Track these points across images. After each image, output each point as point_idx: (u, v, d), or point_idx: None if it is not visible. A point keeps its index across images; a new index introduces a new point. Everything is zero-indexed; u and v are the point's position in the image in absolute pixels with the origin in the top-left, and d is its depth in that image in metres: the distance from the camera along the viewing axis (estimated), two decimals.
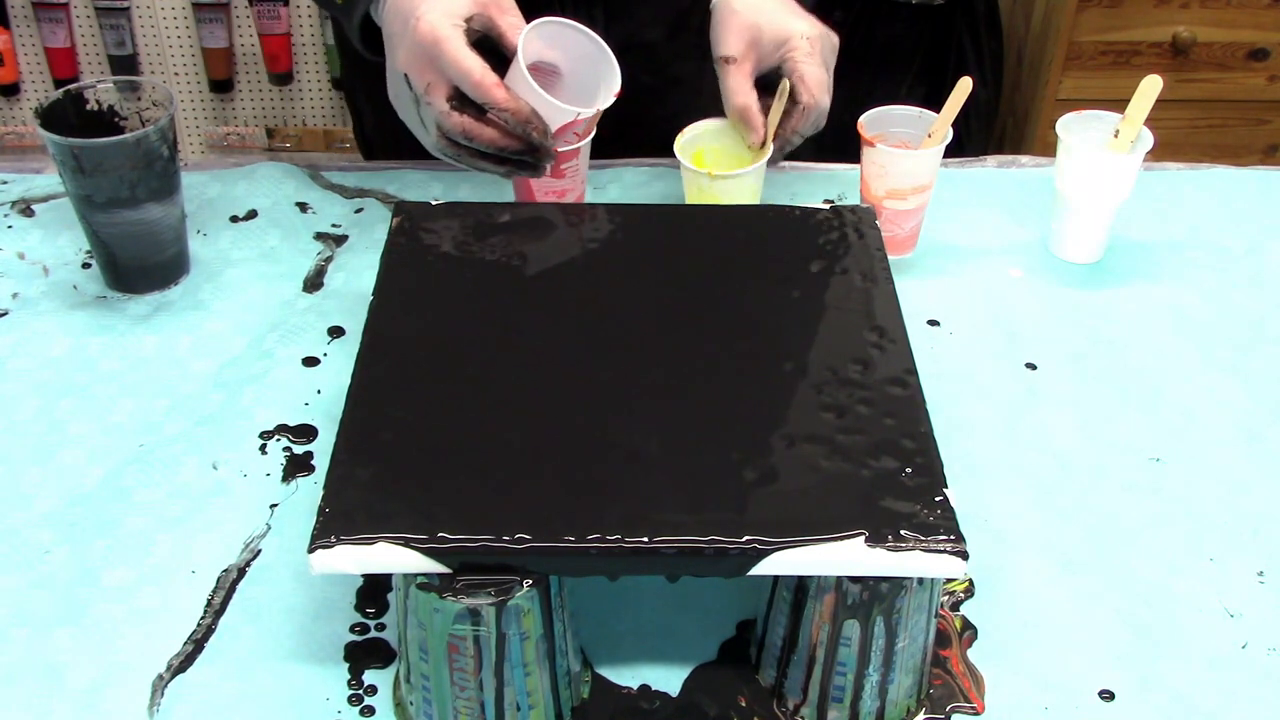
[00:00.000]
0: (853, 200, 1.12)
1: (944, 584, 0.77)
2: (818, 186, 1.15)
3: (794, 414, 0.72)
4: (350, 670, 0.73)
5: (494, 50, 0.89)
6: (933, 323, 1.00)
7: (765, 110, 0.98)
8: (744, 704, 0.72)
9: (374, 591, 0.77)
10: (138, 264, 0.99)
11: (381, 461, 0.69)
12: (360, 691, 0.72)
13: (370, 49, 0.96)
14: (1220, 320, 1.01)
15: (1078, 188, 1.02)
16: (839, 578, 0.66)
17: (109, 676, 0.73)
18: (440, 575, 0.65)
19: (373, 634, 0.75)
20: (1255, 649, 0.76)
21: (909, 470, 0.69)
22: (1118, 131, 1.02)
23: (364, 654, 0.74)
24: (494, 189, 1.12)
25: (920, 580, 0.67)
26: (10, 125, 2.44)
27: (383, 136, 1.24)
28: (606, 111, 0.92)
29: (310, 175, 1.15)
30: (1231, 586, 0.79)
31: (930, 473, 0.69)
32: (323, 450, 0.87)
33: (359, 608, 0.77)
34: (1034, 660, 0.75)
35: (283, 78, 2.40)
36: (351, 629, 0.76)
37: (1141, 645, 0.76)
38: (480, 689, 0.67)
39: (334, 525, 0.65)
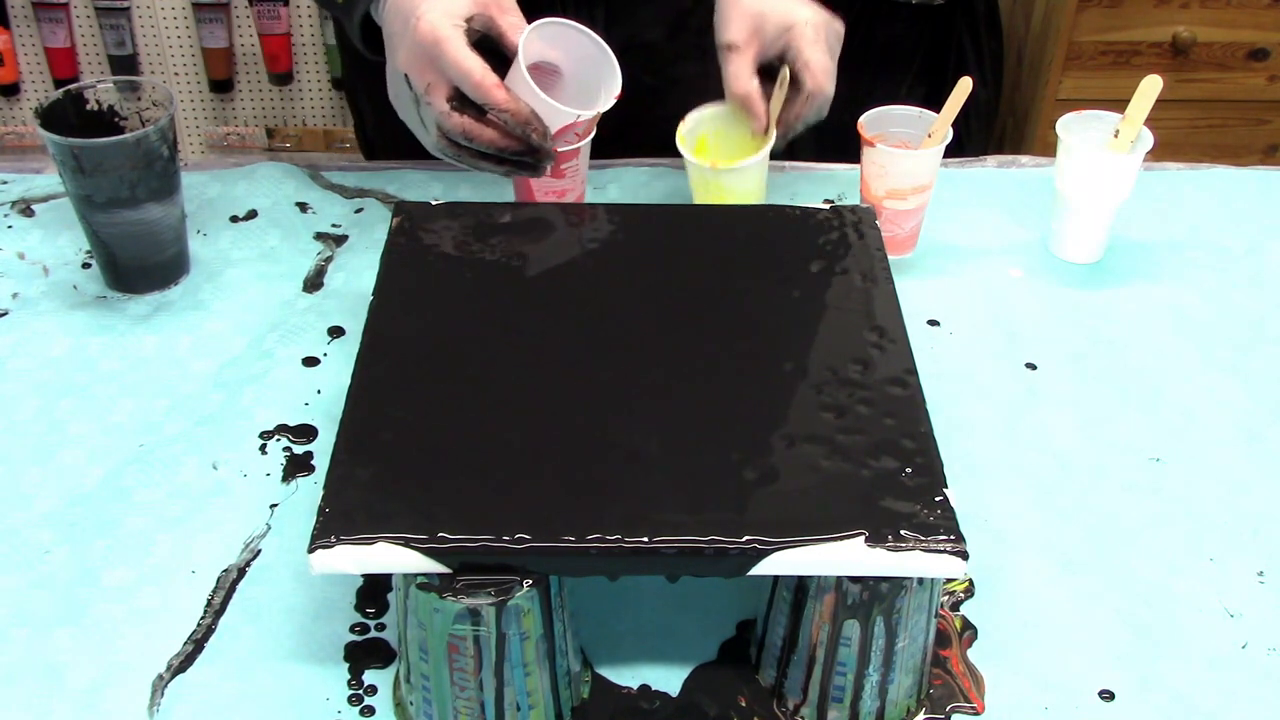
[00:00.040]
0: (853, 200, 1.12)
1: (944, 584, 0.77)
2: (818, 186, 1.15)
3: (794, 414, 0.72)
4: (350, 670, 0.73)
5: (494, 50, 0.89)
6: (933, 323, 1.00)
7: (768, 98, 0.97)
8: (744, 704, 0.72)
9: (374, 591, 0.77)
10: (138, 264, 0.99)
11: (381, 461, 0.69)
12: (360, 691, 0.72)
13: (371, 49, 0.96)
14: (1220, 320, 1.01)
15: (1078, 188, 1.02)
16: (839, 578, 0.66)
17: (109, 676, 0.73)
18: (440, 575, 0.65)
19: (373, 634, 0.75)
20: (1255, 649, 0.76)
21: (909, 470, 0.69)
22: (1118, 131, 1.02)
23: (364, 654, 0.74)
24: (494, 189, 1.12)
25: (920, 580, 0.67)
26: (10, 125, 2.44)
27: (384, 137, 1.24)
28: (607, 112, 0.92)
29: (310, 175, 1.15)
30: (1231, 586, 0.79)
31: (930, 473, 0.69)
32: (323, 450, 0.87)
33: (359, 608, 0.77)
34: (1034, 660, 0.75)
35: (283, 78, 2.40)
36: (351, 629, 0.76)
37: (1141, 645, 0.76)
38: (480, 689, 0.67)
39: (334, 525, 0.65)
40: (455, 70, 0.85)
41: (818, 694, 0.70)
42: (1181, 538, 0.83)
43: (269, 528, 0.82)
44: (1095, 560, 0.81)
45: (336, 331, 0.98)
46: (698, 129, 1.00)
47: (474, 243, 0.85)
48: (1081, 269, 1.06)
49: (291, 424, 0.89)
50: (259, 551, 0.80)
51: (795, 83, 0.96)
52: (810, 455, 0.69)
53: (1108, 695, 0.73)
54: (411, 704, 0.70)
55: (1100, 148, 1.02)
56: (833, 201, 1.12)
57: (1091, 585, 0.79)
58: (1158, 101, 1.00)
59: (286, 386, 0.92)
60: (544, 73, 0.93)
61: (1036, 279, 1.05)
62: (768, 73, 0.98)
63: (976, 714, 0.72)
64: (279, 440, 0.88)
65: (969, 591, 0.79)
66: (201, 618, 0.76)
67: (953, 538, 0.65)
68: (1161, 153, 1.08)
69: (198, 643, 0.75)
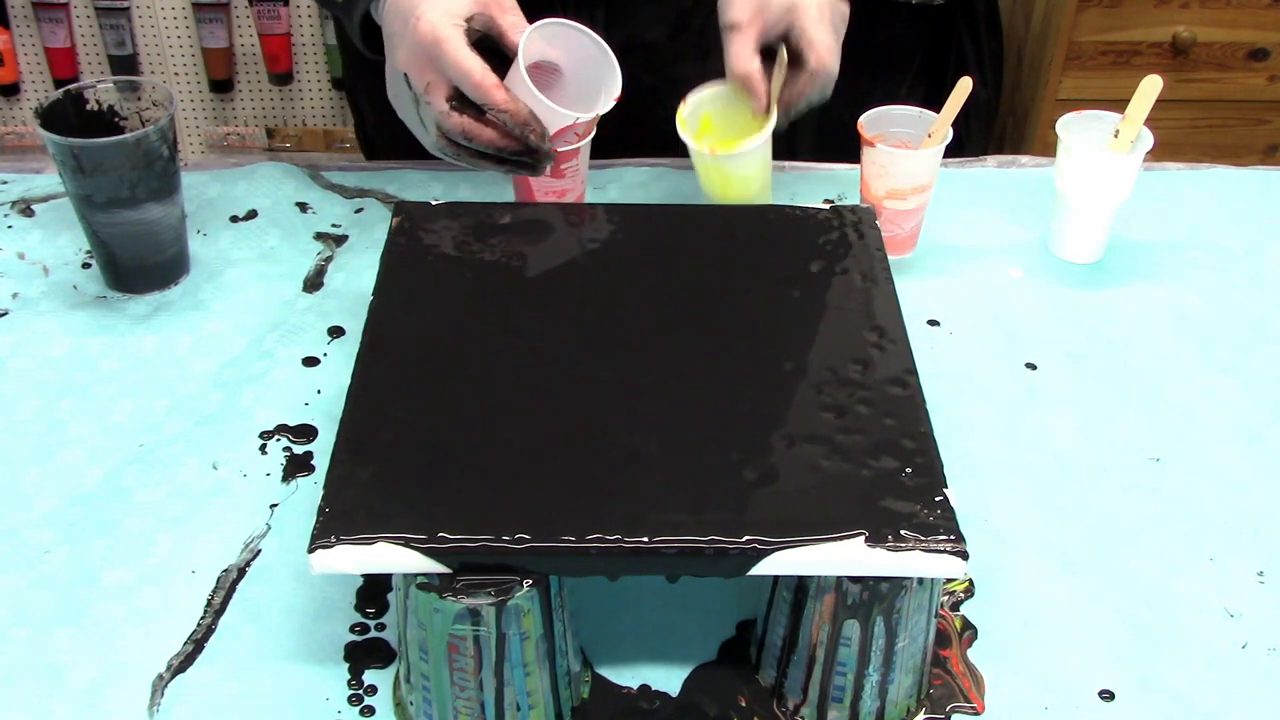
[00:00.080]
0: (853, 200, 1.12)
1: (944, 584, 0.77)
2: (818, 186, 1.15)
3: (794, 414, 0.72)
4: (350, 670, 0.73)
5: (495, 50, 0.89)
6: (933, 323, 1.00)
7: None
8: (744, 704, 0.72)
9: (374, 591, 0.77)
10: (138, 264, 0.99)
11: (381, 461, 0.69)
12: (360, 691, 0.72)
13: (371, 48, 0.96)
14: (1220, 320, 1.01)
15: (1078, 188, 1.02)
16: (839, 578, 0.66)
17: (109, 676, 0.73)
18: (440, 575, 0.65)
19: (373, 634, 0.75)
20: (1255, 649, 0.76)
21: (909, 470, 0.69)
22: (1118, 131, 1.02)
23: (364, 654, 0.74)
24: (494, 189, 1.12)
25: (920, 580, 0.67)
26: (10, 125, 2.44)
27: (384, 137, 1.24)
28: (607, 112, 0.92)
29: (310, 175, 1.15)
30: (1231, 586, 0.79)
31: (930, 473, 0.69)
32: (323, 450, 0.87)
33: (359, 608, 0.77)
34: (1034, 660, 0.75)
35: (283, 78, 2.40)
36: (351, 629, 0.76)
37: (1141, 645, 0.76)
38: (480, 689, 0.67)
39: (334, 525, 0.65)
40: (455, 70, 0.85)
41: (818, 694, 0.70)
42: (1181, 538, 0.83)
43: (269, 528, 0.82)
44: (1095, 560, 0.81)
45: (336, 331, 0.98)
46: (699, 109, 0.97)
47: (474, 243, 0.85)
48: (1081, 269, 1.06)
49: (291, 424, 0.89)
50: (259, 551, 0.80)
51: (799, 61, 0.95)
52: (810, 455, 0.69)
53: (1108, 695, 0.73)
54: (411, 704, 0.70)
55: (1100, 148, 1.02)
56: (833, 201, 1.12)
57: (1091, 585, 0.79)
58: (1158, 101, 1.00)
59: (286, 386, 0.92)
60: (544, 72, 0.93)
61: (1036, 279, 1.05)
62: (772, 55, 0.96)
63: (976, 714, 0.72)
64: (279, 440, 0.88)
65: (969, 591, 0.79)
66: (201, 618, 0.76)
67: (953, 538, 0.65)
68: (1161, 153, 1.08)
69: (198, 643, 0.75)
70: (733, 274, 0.83)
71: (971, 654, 0.75)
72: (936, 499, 0.67)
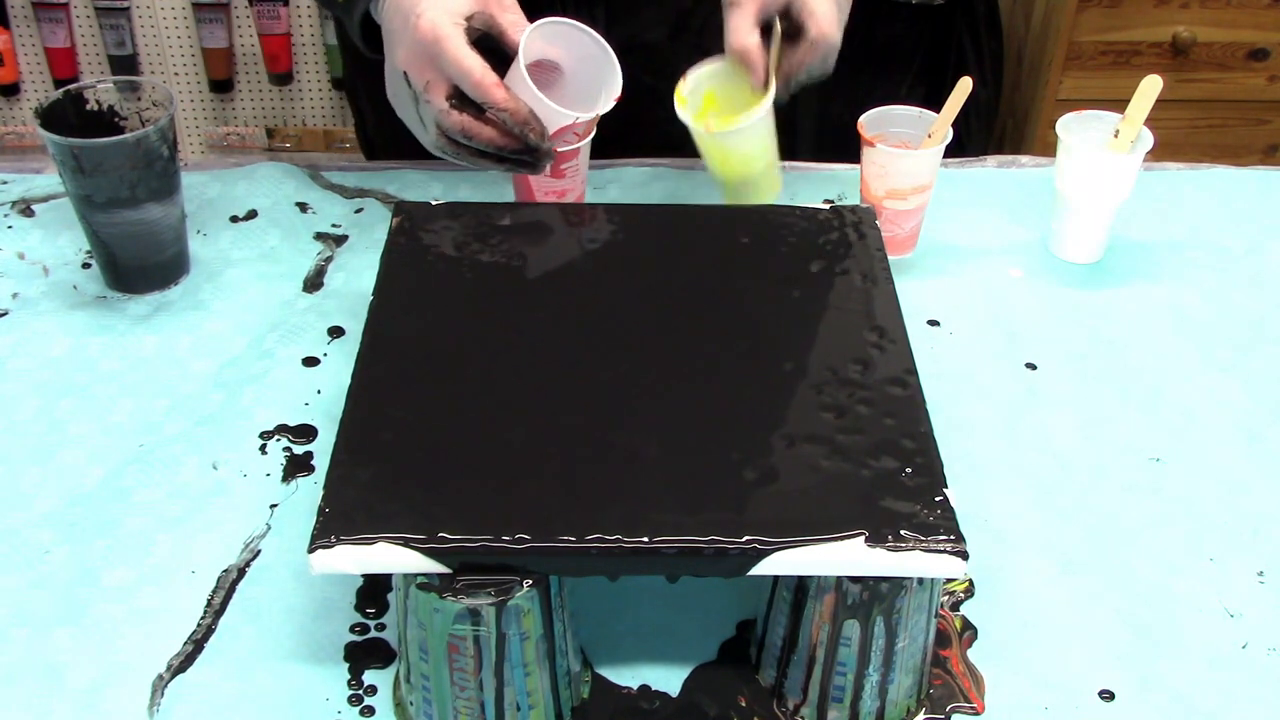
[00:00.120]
0: (853, 200, 1.12)
1: (944, 584, 0.77)
2: (818, 186, 1.15)
3: (794, 414, 0.72)
4: (350, 670, 0.73)
5: (494, 49, 0.89)
6: (933, 323, 1.00)
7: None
8: (744, 704, 0.72)
9: (374, 591, 0.77)
10: (138, 264, 0.99)
11: (381, 461, 0.69)
12: (360, 691, 0.72)
13: (371, 47, 0.96)
14: (1220, 320, 1.01)
15: (1078, 188, 1.02)
16: (839, 578, 0.66)
17: (109, 676, 0.73)
18: (440, 575, 0.65)
19: (373, 634, 0.75)
20: (1255, 649, 0.76)
21: (909, 470, 0.69)
22: (1118, 131, 1.02)
23: (364, 654, 0.74)
24: (494, 189, 1.12)
25: (920, 580, 0.67)
26: (10, 125, 2.44)
27: (384, 136, 1.24)
28: (607, 112, 0.92)
29: (310, 175, 1.15)
30: (1231, 586, 0.79)
31: (930, 473, 0.69)
32: (323, 450, 0.87)
33: (359, 608, 0.77)
34: (1034, 660, 0.75)
35: (283, 78, 2.40)
36: (351, 629, 0.76)
37: (1141, 645, 0.76)
38: (480, 689, 0.67)
39: (334, 525, 0.65)
40: (455, 68, 0.85)
41: (818, 694, 0.70)
42: (1181, 538, 0.83)
43: (269, 528, 0.82)
44: (1095, 560, 0.81)
45: (336, 331, 0.98)
46: (700, 87, 0.96)
47: (474, 243, 0.85)
48: (1081, 269, 1.06)
49: (291, 424, 0.89)
50: (259, 551, 0.80)
51: (800, 32, 0.94)
52: (810, 455, 0.69)
53: (1108, 695, 0.73)
54: (411, 704, 0.70)
55: (1100, 148, 1.02)
56: (833, 201, 1.12)
57: (1091, 585, 0.79)
58: (1158, 101, 1.00)
59: (286, 386, 0.92)
60: (545, 70, 0.93)
61: (1036, 279, 1.05)
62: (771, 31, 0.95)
63: (976, 714, 0.72)
64: (279, 440, 0.88)
65: (969, 591, 0.79)
66: (201, 618, 0.76)
67: (953, 538, 0.65)
68: (1161, 153, 1.08)
69: (198, 643, 0.75)
70: (733, 274, 0.83)
71: (971, 654, 0.75)
72: (936, 499, 0.67)
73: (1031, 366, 0.96)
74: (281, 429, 0.89)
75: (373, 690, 0.72)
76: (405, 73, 0.89)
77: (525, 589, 0.64)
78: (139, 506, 0.83)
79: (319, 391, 0.92)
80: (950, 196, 1.12)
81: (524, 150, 0.89)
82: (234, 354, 0.95)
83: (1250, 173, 1.19)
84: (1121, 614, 0.78)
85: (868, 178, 1.02)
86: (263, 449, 0.87)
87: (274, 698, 0.72)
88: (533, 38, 0.88)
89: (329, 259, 1.05)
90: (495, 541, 0.64)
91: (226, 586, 0.78)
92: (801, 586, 0.68)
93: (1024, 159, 1.20)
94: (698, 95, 0.95)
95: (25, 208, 1.10)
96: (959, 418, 0.90)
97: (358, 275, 1.03)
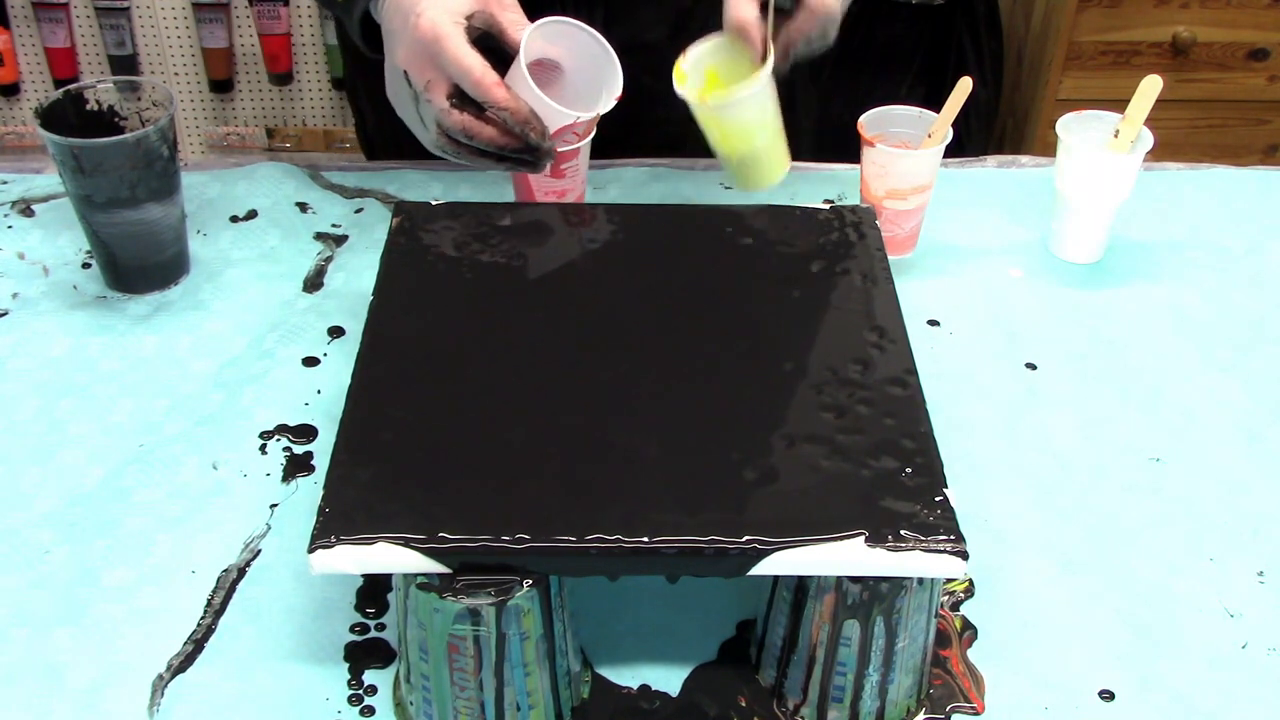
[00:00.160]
0: (853, 200, 1.12)
1: (944, 584, 0.77)
2: (818, 186, 1.15)
3: (794, 414, 0.72)
4: (350, 670, 0.73)
5: (494, 48, 0.89)
6: (933, 323, 1.00)
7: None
8: (744, 704, 0.72)
9: (374, 591, 0.77)
10: (138, 264, 0.99)
11: (381, 461, 0.69)
12: (360, 691, 0.72)
13: (371, 47, 0.96)
14: (1220, 320, 1.01)
15: (1078, 188, 1.02)
16: (839, 578, 0.66)
17: (109, 676, 0.73)
18: (440, 575, 0.65)
19: (373, 634, 0.75)
20: (1255, 649, 0.76)
21: (909, 470, 0.69)
22: (1118, 131, 1.02)
23: (364, 654, 0.74)
24: (494, 189, 1.12)
25: (920, 580, 0.67)
26: (10, 125, 2.44)
27: (384, 136, 1.24)
28: (607, 112, 0.92)
29: (310, 175, 1.15)
30: (1231, 586, 0.79)
31: (930, 473, 0.69)
32: (323, 450, 0.87)
33: (359, 608, 0.77)
34: (1034, 660, 0.75)
35: (283, 78, 2.40)
36: (351, 629, 0.76)
37: (1141, 645, 0.76)
38: (480, 689, 0.67)
39: (334, 525, 0.65)
40: (455, 68, 0.85)
41: (818, 694, 0.70)
42: (1181, 538, 0.83)
43: (269, 528, 0.82)
44: (1095, 560, 0.81)
45: (336, 331, 0.98)
46: (701, 64, 0.93)
47: (474, 243, 0.85)
48: (1081, 269, 1.06)
49: (291, 424, 0.89)
50: (259, 551, 0.80)
51: (799, 2, 0.92)
52: (810, 455, 0.69)
53: (1108, 695, 0.73)
54: (411, 704, 0.70)
55: (1100, 148, 1.02)
56: (833, 201, 1.12)
57: (1091, 585, 0.79)
58: (1158, 101, 1.00)
59: (286, 386, 0.92)
60: (545, 69, 0.92)
61: (1036, 279, 1.05)
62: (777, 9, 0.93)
63: (976, 714, 0.72)
64: (279, 440, 0.88)
65: (969, 591, 0.79)
66: (201, 618, 0.76)
67: (953, 538, 0.65)
68: (1161, 153, 1.08)
69: (198, 643, 0.75)
70: (733, 274, 0.83)
71: (971, 654, 0.75)
72: (936, 499, 0.67)
73: (1031, 366, 0.96)
74: (281, 429, 0.89)
75: (373, 690, 0.72)
76: (405, 72, 0.89)
77: (525, 589, 0.64)
78: (139, 506, 0.83)
79: (319, 391, 0.92)
80: (950, 196, 1.12)
81: (525, 149, 0.89)
82: (234, 354, 0.95)
83: (1250, 173, 1.19)
84: (1121, 614, 0.78)
85: (868, 178, 1.02)
86: (263, 449, 0.87)
87: (274, 698, 0.72)
88: (534, 37, 0.88)
89: (329, 259, 1.05)
90: (495, 541, 0.64)
91: (226, 586, 0.78)
92: (801, 586, 0.68)
93: (1024, 159, 1.20)
94: (699, 72, 0.93)
95: (25, 208, 1.10)
96: (959, 418, 0.90)
97: (358, 275, 1.03)
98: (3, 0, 2.30)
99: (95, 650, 0.74)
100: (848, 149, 1.07)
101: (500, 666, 0.66)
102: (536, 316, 0.79)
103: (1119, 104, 1.02)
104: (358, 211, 1.11)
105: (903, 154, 0.99)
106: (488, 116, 0.87)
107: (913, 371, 0.75)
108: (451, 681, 0.67)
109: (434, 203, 0.89)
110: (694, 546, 0.64)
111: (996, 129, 2.18)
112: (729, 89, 0.90)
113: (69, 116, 0.96)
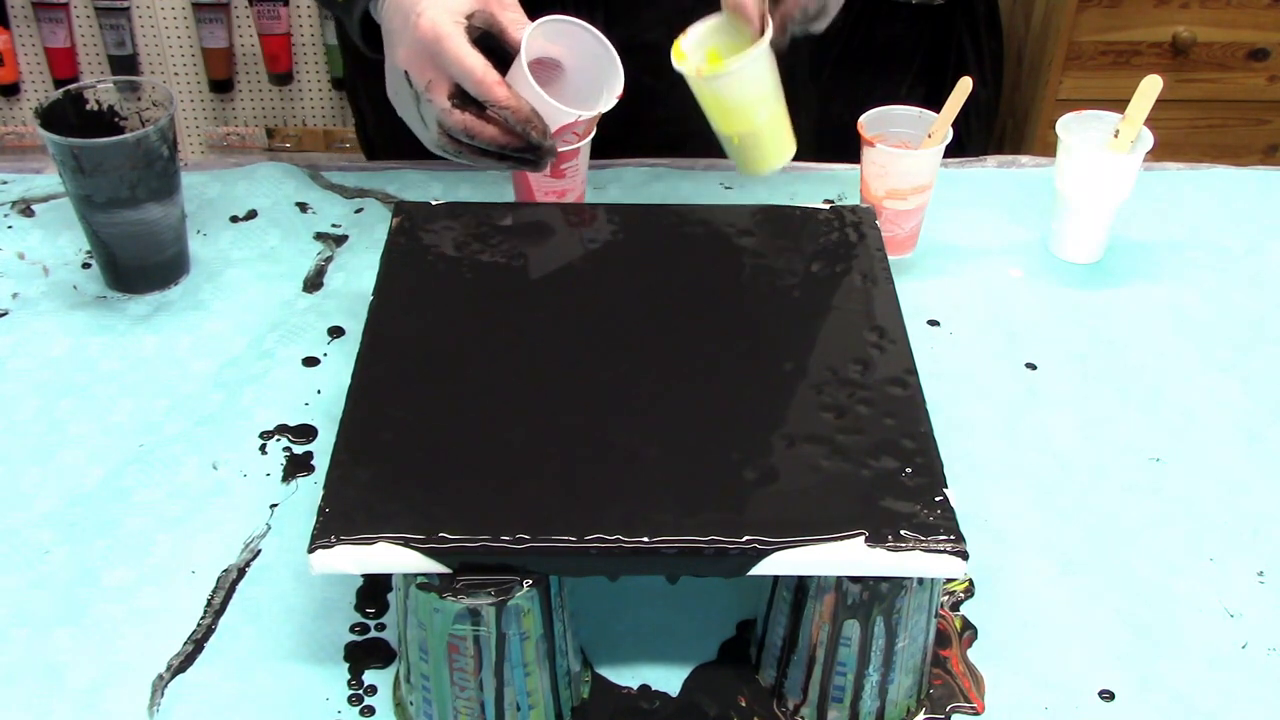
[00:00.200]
0: (853, 200, 1.12)
1: (944, 584, 0.77)
2: (818, 186, 1.15)
3: (794, 414, 0.72)
4: (350, 670, 0.73)
5: (494, 48, 0.89)
6: (933, 323, 1.00)
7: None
8: (744, 704, 0.72)
9: (374, 591, 0.77)
10: (138, 264, 0.99)
11: (381, 461, 0.69)
12: (360, 691, 0.72)
13: (371, 46, 0.96)
14: (1220, 320, 1.01)
15: (1078, 188, 1.02)
16: (839, 578, 0.66)
17: (109, 676, 0.73)
18: (440, 575, 0.65)
19: (373, 634, 0.75)
20: (1255, 649, 0.76)
21: (909, 470, 0.69)
22: (1118, 131, 1.02)
23: (364, 654, 0.74)
24: (494, 189, 1.12)
25: (920, 580, 0.67)
26: (10, 125, 2.44)
27: (384, 136, 1.24)
28: (608, 112, 0.92)
29: (310, 175, 1.15)
30: (1231, 586, 0.79)
31: (930, 473, 0.69)
32: (323, 450, 0.87)
33: (359, 608, 0.77)
34: (1034, 660, 0.75)
35: (283, 78, 2.40)
36: (351, 629, 0.76)
37: (1141, 645, 0.76)
38: (480, 689, 0.67)
39: (334, 525, 0.65)
40: (456, 67, 0.85)
41: (818, 694, 0.70)
42: (1181, 538, 0.83)
43: (269, 528, 0.82)
44: (1095, 560, 0.81)
45: (336, 331, 0.98)
46: (702, 44, 0.92)
47: (474, 243, 0.85)
48: (1081, 269, 1.06)
49: (291, 424, 0.89)
50: (259, 551, 0.80)
51: None
52: (810, 455, 0.69)
53: (1108, 695, 0.73)
54: (411, 704, 0.70)
55: (1100, 148, 1.02)
56: (833, 201, 1.12)
57: (1091, 585, 0.79)
58: (1158, 101, 1.00)
59: (286, 386, 0.92)
60: (546, 68, 0.92)
61: (1036, 279, 1.05)
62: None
63: (976, 714, 0.72)
64: (279, 440, 0.88)
65: (969, 591, 0.79)
66: (201, 618, 0.76)
67: (953, 538, 0.65)
68: (1161, 153, 1.08)
69: (198, 643, 0.75)
70: (732, 273, 0.83)
71: (971, 654, 0.75)
72: (936, 499, 0.67)
73: (1031, 366, 0.96)
74: (281, 429, 0.89)
75: (373, 690, 0.72)
76: (406, 72, 0.88)
77: (525, 589, 0.64)
78: (139, 506, 0.83)
79: (319, 391, 0.92)
80: (950, 196, 1.12)
81: (526, 148, 0.89)
82: (234, 354, 0.95)
83: (1250, 173, 1.19)
84: (1121, 614, 0.78)
85: (868, 178, 1.02)
86: (263, 449, 0.87)
87: (274, 698, 0.72)
88: (535, 35, 0.88)
89: (329, 259, 1.05)
90: (495, 541, 0.64)
91: (226, 586, 0.78)
92: (801, 586, 0.68)
93: (1024, 159, 1.20)
94: (700, 52, 0.92)
95: (25, 208, 1.10)
96: (959, 418, 0.90)
97: (358, 275, 1.03)
98: (3, 0, 2.30)
99: (95, 650, 0.74)
100: (848, 149, 1.07)
101: (500, 666, 0.66)
102: (536, 317, 0.79)
103: (1119, 104, 1.02)
104: (358, 211, 1.11)
105: (903, 154, 0.99)
106: (489, 116, 0.87)
107: (913, 371, 0.75)
108: (451, 681, 0.67)
109: (434, 203, 0.89)
110: (694, 546, 0.64)
111: (996, 129, 2.18)
112: (726, 61, 0.89)
113: (69, 116, 0.96)
